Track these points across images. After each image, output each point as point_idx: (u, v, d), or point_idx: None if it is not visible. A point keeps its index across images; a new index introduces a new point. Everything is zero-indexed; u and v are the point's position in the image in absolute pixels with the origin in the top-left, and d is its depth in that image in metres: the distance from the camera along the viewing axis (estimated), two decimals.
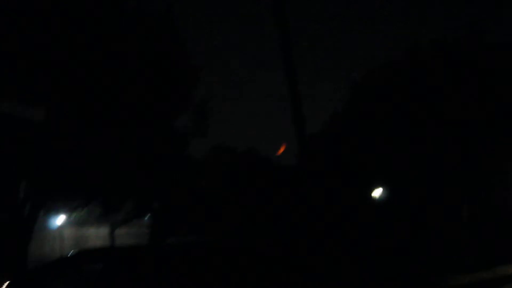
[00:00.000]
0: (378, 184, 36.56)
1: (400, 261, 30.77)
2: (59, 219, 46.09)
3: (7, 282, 14.17)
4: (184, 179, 35.39)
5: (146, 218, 45.74)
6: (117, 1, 26.71)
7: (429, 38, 35.08)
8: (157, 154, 28.41)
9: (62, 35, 24.03)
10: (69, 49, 24.10)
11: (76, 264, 28.80)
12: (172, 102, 28.67)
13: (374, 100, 35.26)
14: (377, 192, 36.65)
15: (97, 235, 51.00)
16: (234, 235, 38.87)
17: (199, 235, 40.25)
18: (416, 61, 34.14)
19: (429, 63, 33.51)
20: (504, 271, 25.87)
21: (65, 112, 24.67)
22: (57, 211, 39.70)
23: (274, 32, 25.05)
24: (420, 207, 34.51)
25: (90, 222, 47.08)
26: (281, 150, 44.11)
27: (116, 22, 25.98)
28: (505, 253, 29.51)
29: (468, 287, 23.92)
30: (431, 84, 32.94)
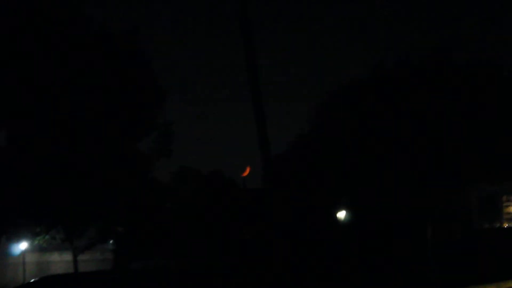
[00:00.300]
0: (343, 205, 36.52)
1: (365, 278, 30.74)
2: (22, 245, 45.34)
3: None
4: (148, 202, 35.08)
5: (109, 243, 45.19)
6: (82, 21, 26.49)
7: (394, 58, 35.12)
8: (120, 176, 28.06)
9: (23, 54, 23.76)
10: (30, 69, 23.79)
11: None
12: (136, 123, 28.42)
13: (338, 121, 35.32)
14: (342, 214, 36.61)
15: (60, 261, 50.29)
16: (198, 258, 38.54)
17: (163, 258, 39.82)
18: (380, 80, 34.32)
19: (394, 82, 33.69)
20: None
21: (26, 136, 24.29)
22: (19, 237, 38.99)
23: (241, 55, 25.09)
24: (385, 229, 34.52)
25: (53, 248, 46.41)
26: (246, 172, 43.96)
27: (81, 42, 25.76)
28: (467, 274, 29.71)
29: None
30: (394, 105, 33.10)
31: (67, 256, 47.70)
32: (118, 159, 27.54)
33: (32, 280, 37.93)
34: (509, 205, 36.89)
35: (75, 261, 40.98)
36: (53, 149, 24.74)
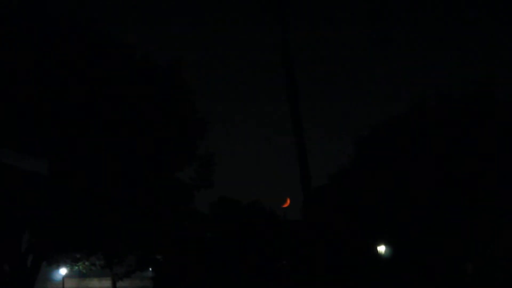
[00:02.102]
0: (383, 240, 36.25)
1: None
2: (62, 271, 45.86)
3: None
4: (188, 232, 35.20)
5: (149, 271, 45.46)
6: (127, 53, 26.76)
7: (434, 94, 34.90)
8: (161, 206, 28.18)
9: (72, 86, 24.08)
10: (77, 100, 24.10)
11: None
12: (178, 154, 28.56)
13: (379, 156, 35.18)
14: (382, 248, 36.32)
15: (100, 287, 50.71)
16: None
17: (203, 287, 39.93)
18: (421, 115, 34.12)
19: (436, 117, 33.47)
20: None
21: (69, 165, 24.58)
22: (60, 263, 39.50)
23: (283, 92, 25.35)
24: (425, 263, 34.17)
25: (93, 274, 46.82)
26: (287, 203, 43.99)
27: (125, 73, 26.00)
28: None
29: None
30: (436, 140, 32.86)
31: (107, 283, 48.11)
32: (160, 190, 27.65)
33: None
34: None
35: None
36: (96, 180, 24.94)
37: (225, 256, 39.84)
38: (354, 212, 36.10)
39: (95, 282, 51.31)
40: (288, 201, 44.10)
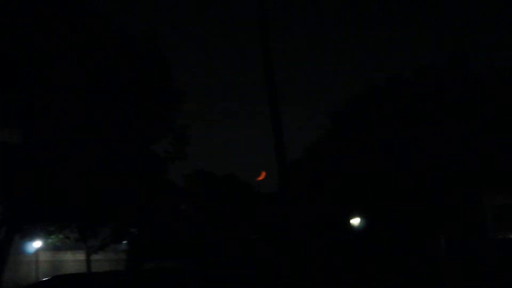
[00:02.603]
0: (357, 212, 36.44)
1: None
2: (36, 244, 45.59)
3: None
4: (162, 204, 35.13)
5: (123, 244, 45.35)
6: (100, 22, 26.49)
7: (412, 65, 35.11)
8: (135, 178, 28.08)
9: (43, 53, 23.80)
10: (48, 68, 23.83)
11: None
12: (153, 125, 28.41)
13: (354, 129, 35.24)
14: (356, 221, 36.52)
15: (73, 260, 50.49)
16: (212, 260, 38.58)
17: (177, 260, 39.92)
18: (398, 88, 34.18)
19: (412, 91, 33.53)
20: None
21: (41, 135, 24.32)
22: (33, 236, 39.22)
23: (259, 62, 25.29)
24: (397, 237, 34.38)
25: (66, 247, 46.64)
26: (261, 176, 43.97)
27: (99, 42, 25.76)
28: (480, 282, 29.49)
29: None
30: (412, 113, 32.95)
31: (81, 256, 47.96)
32: (133, 161, 27.53)
33: (44, 279, 38.20)
34: None
35: (88, 261, 41.19)
36: (68, 149, 24.74)
37: (199, 229, 39.86)
38: (329, 184, 36.23)
39: (69, 255, 51.06)
40: (264, 174, 44.05)
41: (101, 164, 25.97)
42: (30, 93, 23.78)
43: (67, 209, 28.73)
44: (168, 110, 29.20)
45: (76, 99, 24.27)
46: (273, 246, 35.98)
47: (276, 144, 25.79)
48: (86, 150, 25.26)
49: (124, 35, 26.99)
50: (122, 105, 25.59)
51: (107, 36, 26.10)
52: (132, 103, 26.02)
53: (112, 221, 35.48)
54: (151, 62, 27.51)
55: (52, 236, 39.86)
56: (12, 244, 28.57)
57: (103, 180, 26.66)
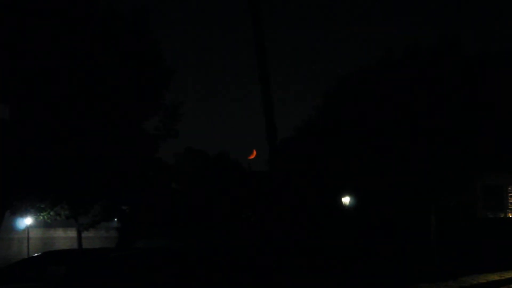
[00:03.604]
0: (347, 191, 36.54)
1: (367, 267, 30.72)
2: (26, 221, 45.62)
3: None
4: (153, 182, 35.13)
5: (114, 222, 45.42)
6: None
7: (402, 44, 34.94)
8: (126, 155, 28.02)
9: (25, 31, 23.63)
10: (35, 43, 23.65)
11: (40, 265, 28.45)
12: (143, 102, 28.29)
13: (344, 108, 35.19)
14: (347, 199, 36.62)
15: (64, 237, 50.63)
16: (204, 239, 38.70)
17: (168, 238, 40.03)
18: (388, 67, 34.11)
19: (401, 70, 33.47)
20: (469, 281, 25.93)
21: (30, 110, 24.20)
22: (24, 212, 39.16)
23: (250, 41, 25.42)
24: (388, 215, 34.52)
25: (58, 224, 46.62)
26: (253, 155, 44.08)
27: (88, 19, 25.58)
28: (470, 263, 29.64)
29: None
30: (402, 91, 32.92)
31: (72, 233, 48.08)
32: (123, 138, 27.46)
33: (34, 255, 38.31)
34: None
35: (79, 238, 41.21)
36: (57, 125, 24.65)
37: (189, 208, 39.94)
38: (319, 163, 36.25)
39: (60, 232, 51.22)
40: (255, 152, 44.24)
41: (90, 142, 25.89)
42: (17, 70, 23.62)
43: (56, 186, 28.69)
44: (158, 88, 29.09)
45: (63, 76, 24.13)
46: (264, 225, 36.10)
47: (267, 124, 26.05)
48: (76, 127, 25.15)
49: (113, 12, 26.78)
50: (110, 83, 25.45)
51: (95, 13, 25.90)
52: (121, 80, 25.87)
53: (102, 198, 35.46)
54: (141, 40, 27.33)
55: (43, 213, 39.78)
56: (3, 220, 28.47)
57: (93, 157, 26.62)
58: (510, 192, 37.00)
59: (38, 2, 24.17)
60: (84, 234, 43.30)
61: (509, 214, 37.04)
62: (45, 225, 48.30)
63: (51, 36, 24.14)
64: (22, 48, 23.40)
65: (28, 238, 48.36)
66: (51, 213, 40.02)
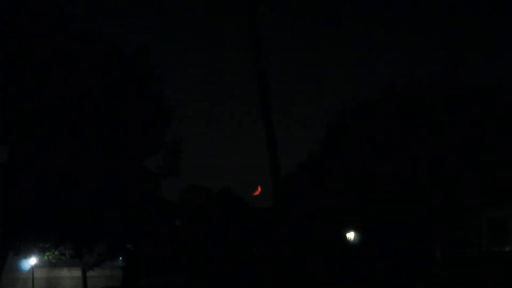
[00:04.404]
0: (351, 226, 36.37)
1: None
2: (31, 261, 45.43)
3: None
4: (157, 220, 35.10)
5: (119, 260, 45.21)
6: (92, 39, 26.48)
7: (403, 79, 35.05)
8: (128, 193, 28.05)
9: (34, 71, 23.79)
10: (40, 85, 23.80)
11: None
12: (144, 139, 28.34)
13: (347, 141, 35.23)
14: (351, 234, 36.42)
15: (69, 276, 50.28)
16: (208, 275, 38.56)
17: (173, 275, 39.91)
18: (389, 101, 34.23)
19: (404, 104, 33.57)
20: None
21: (30, 151, 24.26)
22: (27, 253, 39.09)
23: (253, 80, 25.73)
24: (393, 249, 34.34)
25: (62, 263, 46.41)
26: (257, 192, 44.05)
27: (91, 59, 25.75)
28: None
29: None
30: (403, 128, 33.00)
31: (77, 272, 47.73)
32: (124, 177, 27.50)
33: None
34: None
35: (84, 277, 41.04)
36: (58, 165, 24.72)
37: (194, 244, 39.81)
38: (323, 198, 36.18)
39: (65, 272, 50.82)
40: (259, 189, 44.17)
41: (92, 180, 25.94)
42: (18, 110, 23.72)
43: (58, 225, 28.71)
44: (159, 125, 29.18)
45: (64, 114, 24.24)
46: (268, 261, 35.96)
47: (270, 162, 26.30)
48: (77, 167, 25.21)
49: (114, 50, 26.98)
50: (111, 120, 25.56)
51: (97, 51, 26.09)
52: (121, 118, 25.98)
53: (106, 238, 35.44)
54: (142, 80, 27.48)
55: (47, 253, 39.69)
56: (6, 261, 28.43)
57: (95, 196, 26.66)
58: None
59: (38, 40, 24.36)
60: (89, 273, 43.08)
61: None
62: (50, 264, 48.03)
63: (52, 76, 24.30)
64: (21, 88, 23.53)
65: (33, 278, 48.09)
66: (56, 252, 39.94)
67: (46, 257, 41.20)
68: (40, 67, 23.77)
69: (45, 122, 24.04)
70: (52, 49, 24.24)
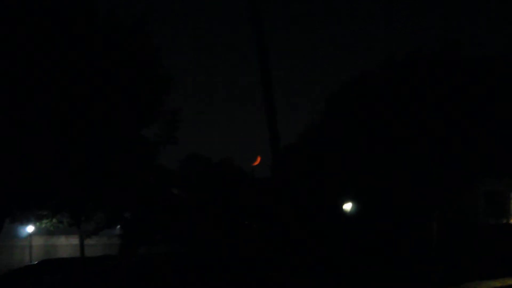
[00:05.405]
0: (349, 197, 36.37)
1: (369, 275, 30.61)
2: (29, 228, 45.61)
3: None
4: (155, 189, 35.11)
5: (117, 228, 45.36)
6: (90, 8, 26.21)
7: (404, 50, 34.71)
8: (126, 161, 27.98)
9: (32, 40, 23.60)
10: (34, 48, 23.59)
11: (37, 274, 28.41)
12: (141, 110, 28.20)
13: (347, 115, 35.05)
14: (348, 206, 36.45)
15: (67, 244, 50.55)
16: (205, 245, 38.64)
17: (170, 244, 40.02)
18: (390, 74, 34.00)
19: (403, 76, 33.36)
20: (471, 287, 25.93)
21: (28, 118, 24.09)
22: (25, 220, 39.19)
23: (252, 49, 25.62)
24: (390, 223, 34.37)
25: (61, 231, 46.57)
26: (257, 161, 43.96)
27: (89, 28, 25.52)
28: (472, 270, 29.52)
29: None
30: (403, 97, 32.80)
31: (74, 240, 47.99)
32: (122, 145, 27.40)
33: (31, 263, 38.29)
34: None
35: (81, 245, 41.17)
36: (56, 132, 24.58)
37: (193, 214, 39.84)
38: (322, 170, 36.15)
39: (62, 239, 51.13)
40: (259, 159, 44.03)
41: (89, 148, 25.85)
42: (17, 77, 23.56)
43: (56, 193, 28.69)
44: (158, 94, 29.02)
45: (62, 85, 24.08)
46: (266, 232, 36.03)
47: (270, 134, 26.30)
48: (74, 133, 25.09)
49: (112, 18, 26.73)
50: (109, 90, 25.38)
51: (94, 20, 25.86)
52: (119, 87, 25.81)
53: (103, 206, 35.49)
54: (138, 44, 27.23)
55: (45, 221, 39.82)
56: (2, 228, 28.40)
57: (92, 164, 26.59)
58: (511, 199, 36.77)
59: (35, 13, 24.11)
60: (87, 241, 43.25)
61: (511, 220, 36.81)
62: (48, 232, 48.24)
63: (51, 45, 24.09)
64: (15, 54, 23.35)
65: (30, 246, 48.37)
66: (53, 220, 40.06)
67: (43, 225, 41.36)
68: (36, 34, 23.55)
69: (43, 89, 23.86)
70: (48, 17, 24.01)
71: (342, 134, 35.41)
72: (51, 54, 23.74)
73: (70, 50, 24.43)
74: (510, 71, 32.23)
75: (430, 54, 32.69)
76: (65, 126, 24.60)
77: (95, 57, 25.19)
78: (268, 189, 35.95)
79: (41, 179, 25.36)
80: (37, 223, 41.26)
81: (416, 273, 30.70)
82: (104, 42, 25.86)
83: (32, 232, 46.55)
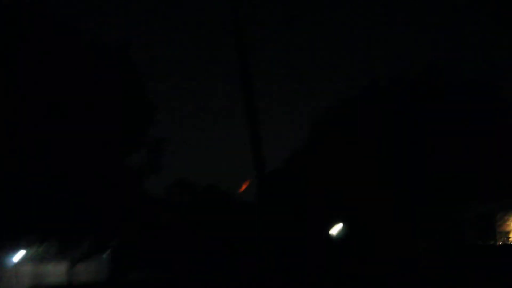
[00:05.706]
0: (335, 220, 36.50)
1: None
2: (16, 256, 45.35)
3: None
4: (141, 215, 35.16)
5: (105, 254, 45.20)
6: (74, 35, 26.34)
7: (387, 75, 35.11)
8: (110, 190, 28.02)
9: (16, 66, 23.70)
10: (22, 82, 23.72)
11: None
12: (125, 139, 28.28)
13: (331, 139, 35.31)
14: (335, 229, 36.57)
15: (55, 271, 50.24)
16: (192, 270, 38.67)
17: (159, 269, 40.01)
18: (373, 97, 34.31)
19: (387, 100, 33.66)
20: None
21: (10, 149, 24.20)
22: (12, 248, 39.06)
23: (236, 73, 25.59)
24: (376, 245, 34.48)
25: (48, 258, 46.33)
26: (244, 186, 44.04)
27: (72, 55, 25.63)
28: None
29: None
30: (388, 121, 33.08)
31: (63, 267, 47.72)
32: (106, 175, 27.47)
33: None
34: (505, 223, 36.82)
35: (70, 272, 41.03)
36: (40, 163, 24.65)
37: (180, 239, 39.90)
38: (307, 195, 36.29)
39: (50, 267, 50.83)
40: (245, 184, 44.16)
41: (73, 179, 25.92)
42: None
43: (43, 224, 28.71)
44: (141, 123, 29.12)
45: (45, 113, 24.17)
46: (253, 255, 36.06)
47: (254, 160, 26.28)
48: (58, 165, 25.17)
49: (95, 46, 26.86)
50: (92, 119, 25.48)
51: (77, 47, 25.99)
52: (102, 117, 25.92)
53: (90, 234, 35.49)
54: (122, 75, 27.34)
55: (32, 248, 39.72)
56: None
57: (77, 194, 26.65)
58: (499, 220, 36.95)
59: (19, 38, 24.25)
60: (76, 268, 43.04)
61: (499, 241, 36.97)
62: (35, 260, 48.00)
63: (33, 73, 24.18)
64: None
65: (18, 274, 48.06)
66: (41, 248, 39.97)
67: (31, 252, 41.24)
68: (19, 62, 23.65)
69: (25, 119, 23.94)
70: (31, 44, 24.13)
71: (325, 158, 35.65)
72: (32, 84, 23.89)
73: (52, 74, 24.52)
74: (488, 95, 32.61)
75: (409, 80, 33.05)
76: (49, 155, 24.68)
77: (77, 83, 25.28)
78: (253, 215, 36.06)
79: (27, 209, 25.41)
80: (25, 251, 41.14)
81: None
82: (86, 67, 25.95)
83: (19, 260, 46.32)
